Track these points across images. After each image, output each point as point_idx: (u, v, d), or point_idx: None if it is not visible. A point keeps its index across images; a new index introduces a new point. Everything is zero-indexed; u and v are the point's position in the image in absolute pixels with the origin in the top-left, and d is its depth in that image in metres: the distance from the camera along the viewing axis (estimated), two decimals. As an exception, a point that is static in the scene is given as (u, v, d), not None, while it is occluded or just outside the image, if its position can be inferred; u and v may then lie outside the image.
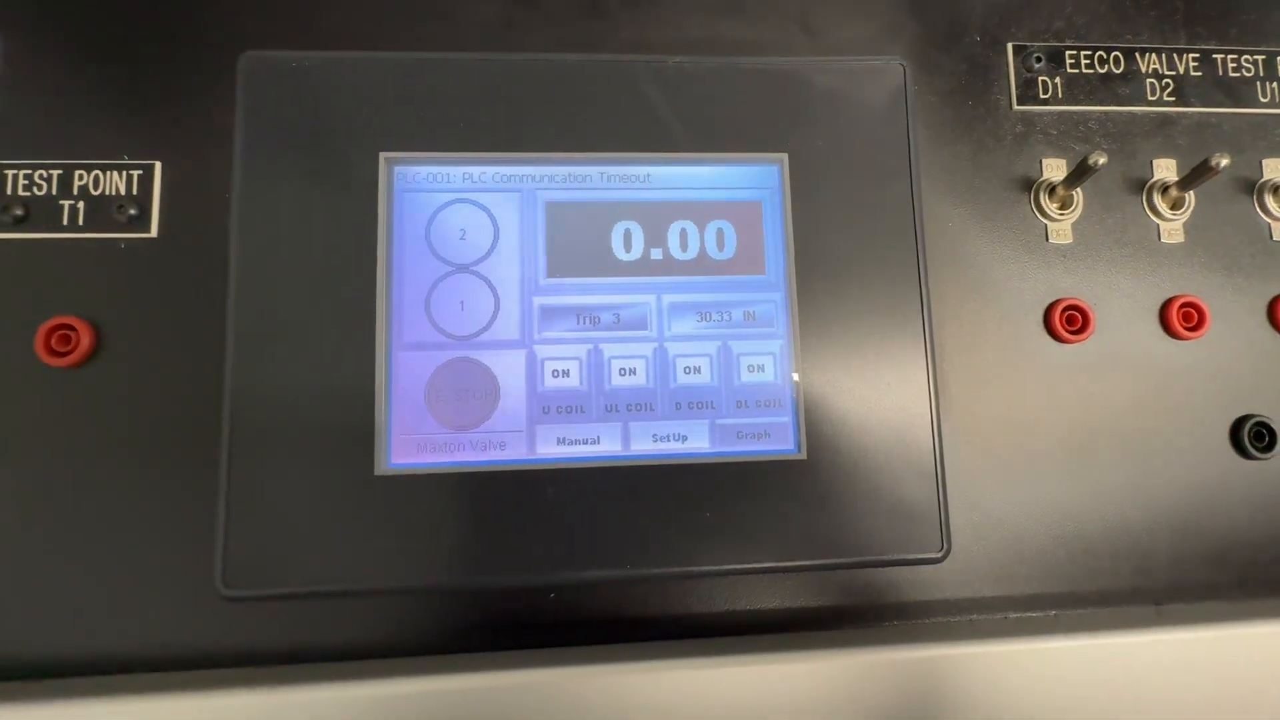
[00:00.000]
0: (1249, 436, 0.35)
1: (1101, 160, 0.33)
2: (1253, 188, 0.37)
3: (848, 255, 0.34)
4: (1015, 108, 0.37)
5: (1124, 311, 0.36)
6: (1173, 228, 0.37)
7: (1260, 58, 0.39)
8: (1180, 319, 0.36)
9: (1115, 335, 0.36)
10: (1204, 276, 0.36)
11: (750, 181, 0.35)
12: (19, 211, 0.31)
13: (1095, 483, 0.35)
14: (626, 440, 0.33)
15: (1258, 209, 0.37)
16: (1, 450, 0.30)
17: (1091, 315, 0.36)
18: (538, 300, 0.33)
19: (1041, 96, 0.37)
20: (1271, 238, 0.37)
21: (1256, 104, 0.38)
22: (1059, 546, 0.34)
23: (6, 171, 0.32)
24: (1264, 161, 0.38)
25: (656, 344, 0.33)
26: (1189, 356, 0.36)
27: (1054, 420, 0.35)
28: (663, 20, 0.36)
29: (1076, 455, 0.35)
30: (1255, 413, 0.36)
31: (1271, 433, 0.36)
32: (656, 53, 0.35)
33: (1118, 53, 0.38)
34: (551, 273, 0.33)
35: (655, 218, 0.34)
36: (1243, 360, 0.36)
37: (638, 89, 0.35)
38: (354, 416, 0.31)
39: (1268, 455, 0.35)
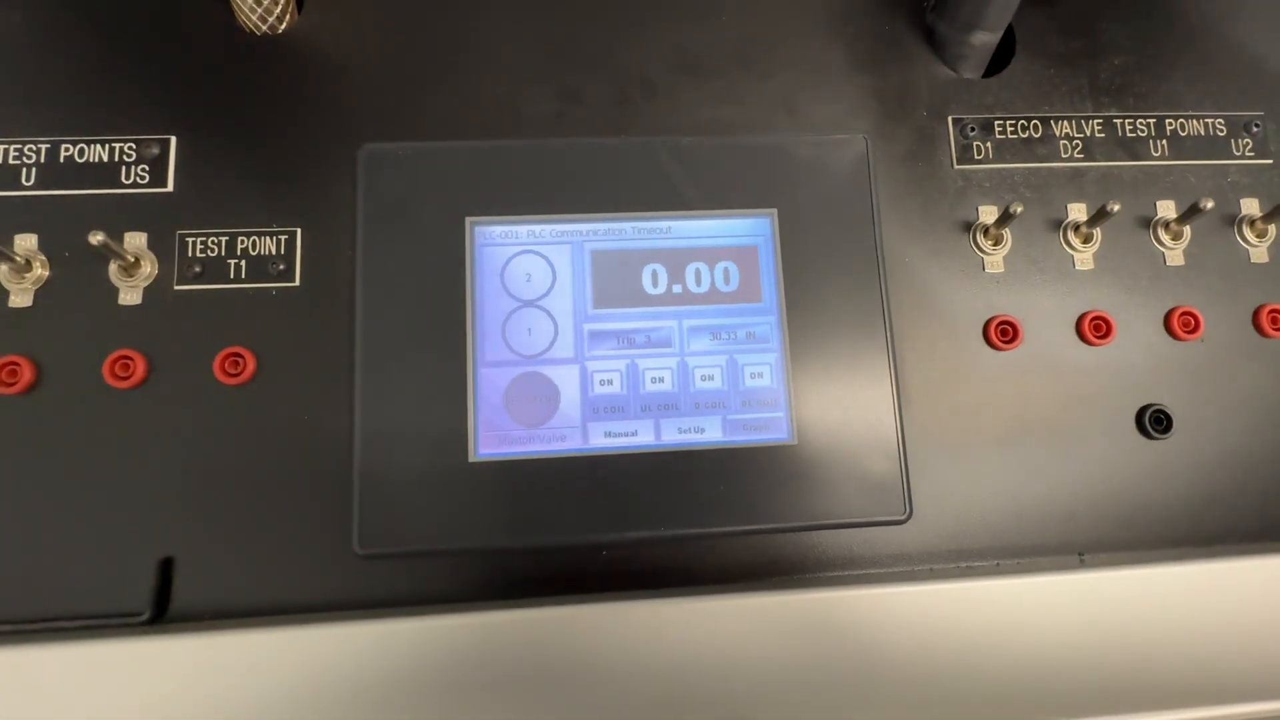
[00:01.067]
0: (1149, 421, 0.43)
1: (1019, 209, 0.41)
2: (1148, 224, 0.45)
3: (826, 286, 0.42)
4: (956, 167, 0.45)
5: (1046, 324, 0.43)
6: (1084, 257, 0.44)
7: (1152, 120, 0.46)
8: (1092, 329, 0.44)
9: (1040, 344, 0.43)
10: (1111, 295, 0.44)
11: (749, 231, 0.43)
12: (198, 269, 0.40)
13: (1027, 461, 0.42)
14: (658, 433, 0.41)
15: (1153, 240, 0.45)
16: (187, 448, 0.39)
17: (1020, 328, 0.43)
18: (587, 326, 0.41)
19: (976, 157, 0.45)
20: (1165, 263, 0.45)
21: (1150, 157, 0.46)
22: (1000, 511, 0.42)
23: (188, 239, 0.40)
24: (1157, 203, 0.45)
25: (679, 358, 0.41)
26: (1100, 359, 0.43)
27: (993, 412, 0.42)
28: (676, 109, 0.44)
29: (1012, 439, 0.42)
30: (1155, 402, 0.43)
31: (1168, 418, 0.43)
32: (672, 134, 0.44)
33: (1036, 121, 0.46)
34: (597, 305, 0.41)
35: (676, 260, 0.42)
36: (1144, 361, 0.43)
37: (659, 162, 0.43)
38: (451, 418, 0.39)
39: (1165, 436, 0.43)
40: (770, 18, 0.46)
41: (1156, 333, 0.44)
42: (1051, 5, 0.48)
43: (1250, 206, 0.46)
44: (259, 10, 0.43)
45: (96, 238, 0.37)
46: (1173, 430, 0.42)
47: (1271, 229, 0.45)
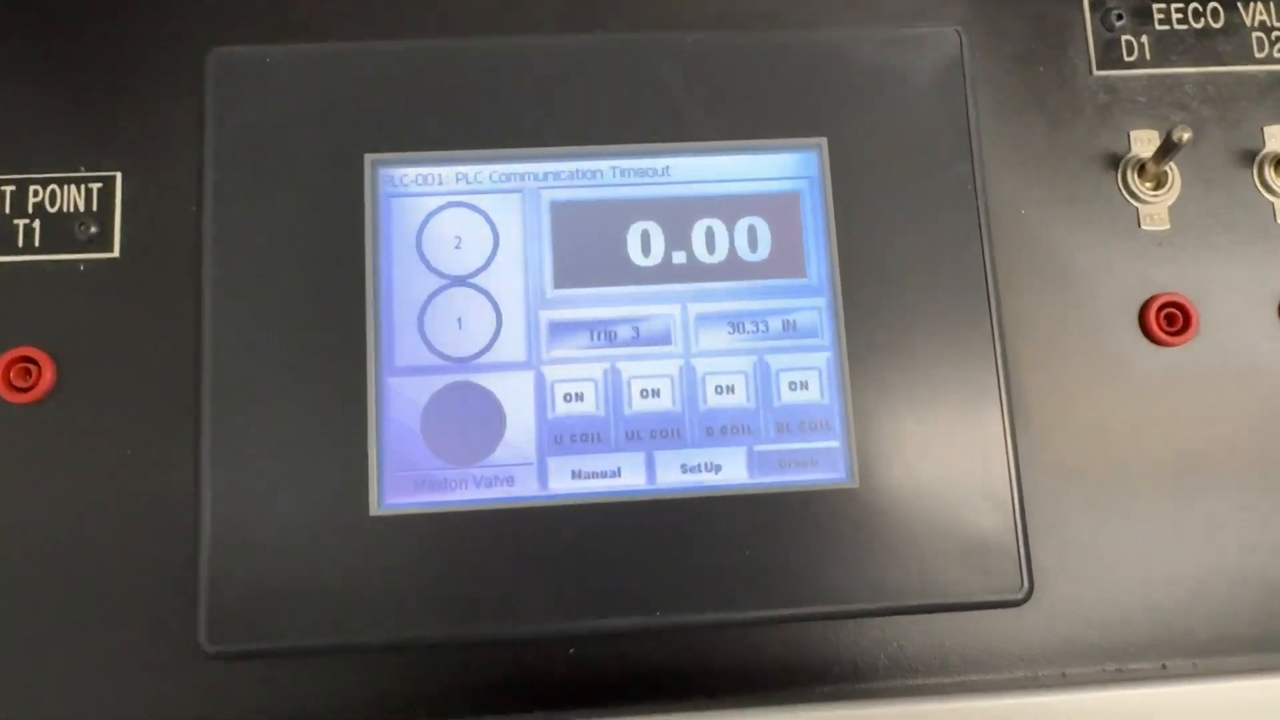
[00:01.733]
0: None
1: (1186, 136, 0.37)
2: (1387, 156, 0.41)
3: (901, 253, 0.39)
4: (1095, 73, 0.41)
5: (1235, 306, 0.40)
6: (1290, 207, 0.41)
7: (1391, 2, 0.43)
8: (1302, 314, 0.40)
9: (1225, 335, 0.40)
10: (1331, 263, 0.40)
11: (785, 171, 0.39)
12: (-26, 234, 0.37)
13: (1208, 511, 0.38)
14: (652, 472, 0.37)
15: (1395, 181, 0.41)
16: (-44, 499, 0.36)
17: (1194, 313, 0.40)
18: (545, 315, 0.38)
19: (1126, 59, 0.41)
20: None
21: (1388, 57, 0.42)
22: (1166, 586, 0.38)
23: (-42, 189, 0.38)
24: (1400, 125, 0.42)
25: (683, 361, 0.38)
26: None
27: (1153, 437, 0.39)
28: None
29: (1184, 480, 0.39)
30: (1399, 422, 0.39)
31: None
32: (672, 28, 0.40)
33: (1215, 4, 0.42)
34: (560, 283, 0.38)
35: (677, 216, 0.38)
36: (1382, 360, 0.40)
37: (651, 71, 0.40)
38: (343, 451, 0.36)
39: None
40: None
41: (1401, 319, 0.40)
42: None
43: None
44: None
45: None
46: None
47: None
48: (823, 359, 0.38)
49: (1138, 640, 0.38)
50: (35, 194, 0.38)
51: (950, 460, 0.37)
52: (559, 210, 0.39)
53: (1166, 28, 0.42)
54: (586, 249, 0.38)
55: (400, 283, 0.38)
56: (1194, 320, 0.40)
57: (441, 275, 0.38)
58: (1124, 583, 0.38)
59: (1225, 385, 0.39)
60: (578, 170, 0.39)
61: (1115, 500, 0.38)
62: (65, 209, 0.38)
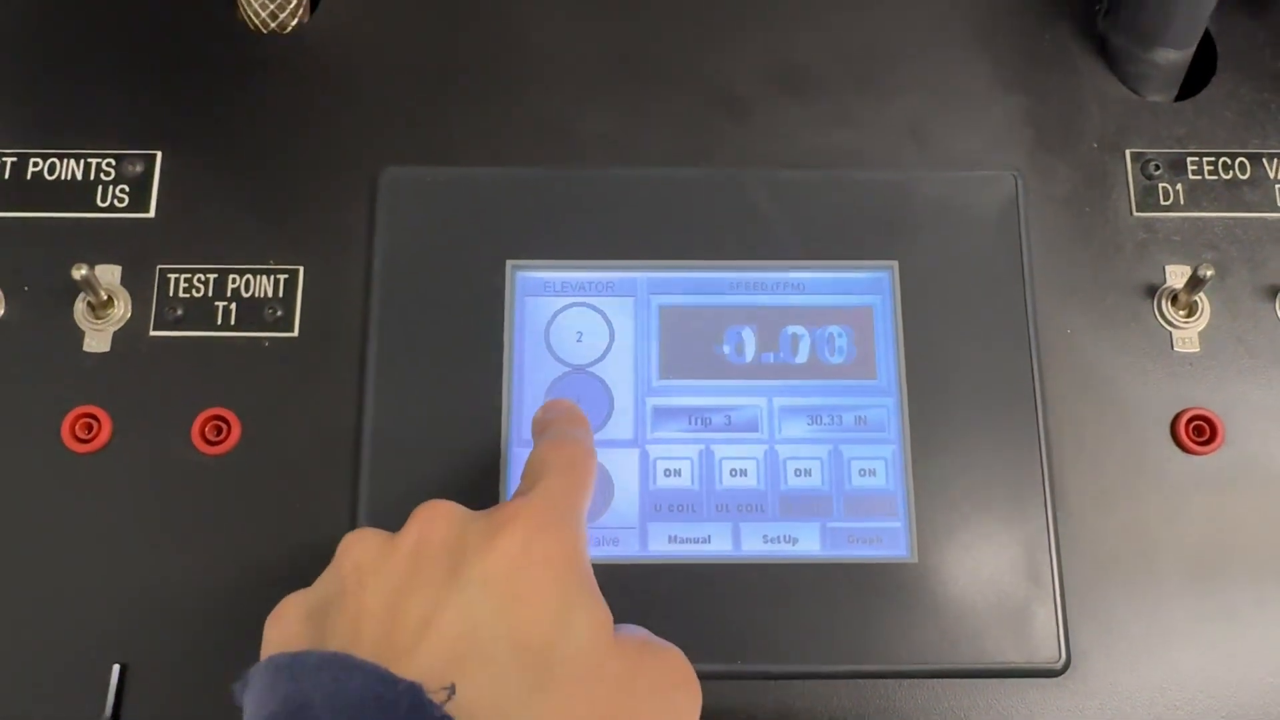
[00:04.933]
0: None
1: (1209, 273, 0.44)
2: (1399, 296, 0.48)
3: (960, 362, 0.46)
4: (1135, 214, 0.49)
5: (1258, 422, 0.46)
6: (1309, 336, 0.48)
7: (1401, 161, 0.50)
8: (1319, 431, 0.46)
9: (1249, 447, 0.46)
10: (1346, 387, 0.47)
11: (861, 288, 0.47)
12: (179, 312, 0.46)
13: (1233, 608, 0.44)
14: (737, 540, 0.44)
15: (1406, 318, 0.48)
16: (154, 527, 0.44)
17: (1221, 425, 0.46)
18: (651, 401, 0.46)
19: (1163, 203, 0.49)
20: None
21: (1398, 209, 0.49)
22: (1193, 675, 0.44)
23: (170, 275, 0.47)
24: None
25: (768, 446, 0.45)
26: None
27: (1182, 535, 0.45)
28: (773, 134, 0.49)
29: (1211, 576, 0.44)
30: None
31: None
32: (767, 165, 0.49)
33: (1243, 158, 0.50)
34: (664, 374, 0.46)
35: (767, 322, 0.46)
36: (1394, 476, 0.46)
37: (749, 198, 0.48)
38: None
39: None
40: (895, 24, 0.51)
41: None
42: (1263, 12, 0.52)
43: None
44: (269, 6, 0.50)
45: (79, 271, 0.43)
46: None
47: None
48: (889, 450, 0.45)
49: (1166, 715, 0.44)
50: (233, 281, 0.47)
51: (999, 544, 0.44)
52: (666, 314, 0.47)
53: (1199, 178, 0.49)
54: (689, 347, 0.46)
55: (530, 368, 0.46)
56: (1220, 432, 0.46)
57: (565, 363, 0.46)
58: (1154, 663, 0.44)
59: (1247, 491, 0.45)
60: (683, 280, 0.47)
61: (1147, 590, 0.44)
62: (257, 295, 0.47)
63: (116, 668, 0.42)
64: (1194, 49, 0.49)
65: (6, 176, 0.48)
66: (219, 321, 0.46)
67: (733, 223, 0.48)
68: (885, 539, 0.44)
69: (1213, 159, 0.50)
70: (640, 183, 0.48)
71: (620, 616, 0.42)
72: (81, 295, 0.46)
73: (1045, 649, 0.43)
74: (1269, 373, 0.47)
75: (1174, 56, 0.49)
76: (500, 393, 0.45)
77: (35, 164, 0.48)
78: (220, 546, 0.44)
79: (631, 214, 0.48)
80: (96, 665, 0.42)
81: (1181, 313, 0.48)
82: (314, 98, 0.50)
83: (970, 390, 0.46)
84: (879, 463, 0.45)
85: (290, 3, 0.50)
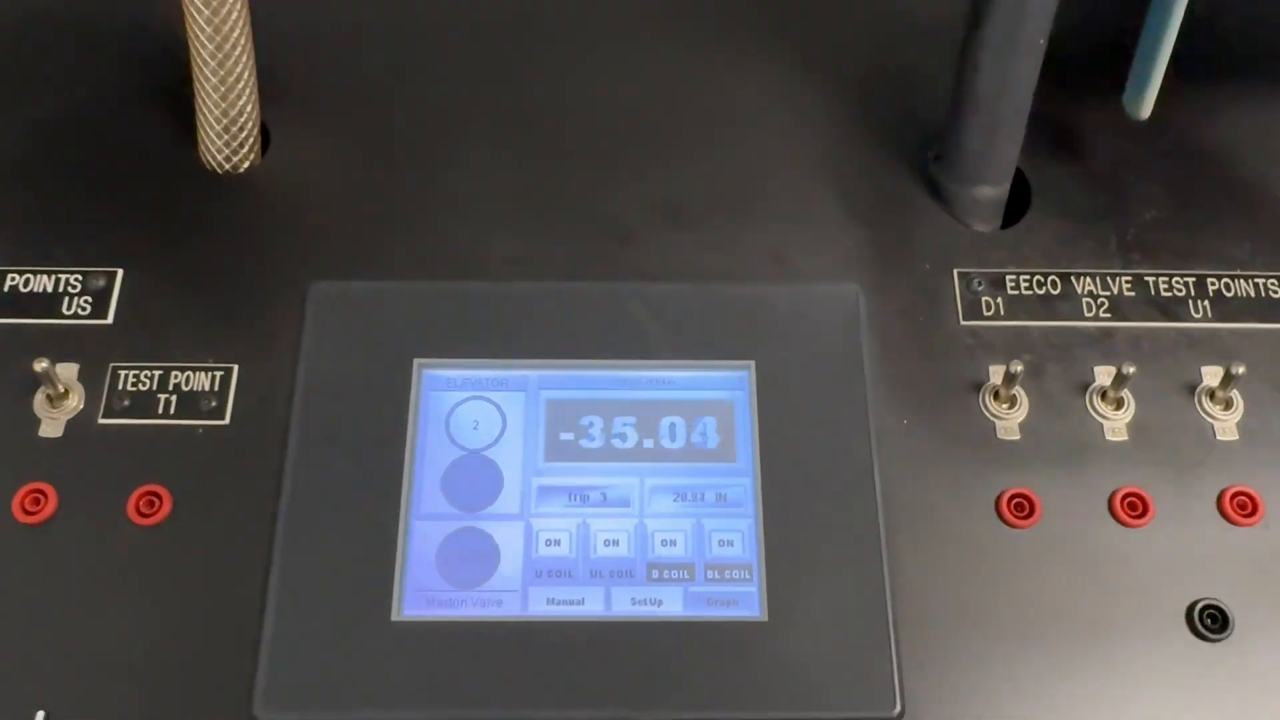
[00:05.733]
0: (1202, 619, 0.50)
1: (1019, 368, 0.51)
2: (1193, 391, 0.55)
3: (809, 448, 0.52)
4: (962, 323, 0.56)
5: (1071, 500, 0.52)
6: (1115, 426, 0.54)
7: (1191, 279, 0.58)
8: (1126, 508, 0.52)
9: (1064, 522, 0.52)
10: (1149, 470, 0.53)
11: (725, 385, 0.54)
12: (126, 403, 0.52)
13: (1054, 659, 0.49)
14: (609, 602, 0.49)
15: (1199, 410, 0.55)
16: (87, 589, 0.49)
17: (1039, 503, 0.52)
18: (537, 480, 0.52)
19: (985, 314, 0.56)
20: (1215, 436, 0.54)
21: (1191, 319, 0.57)
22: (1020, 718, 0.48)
23: (120, 371, 0.53)
24: (1202, 369, 0.55)
25: (638, 520, 0.51)
26: (1138, 543, 0.51)
27: (1006, 599, 0.50)
28: (655, 256, 0.57)
29: (1034, 633, 0.49)
30: (1208, 597, 0.50)
31: (1224, 615, 0.50)
32: (645, 280, 0.56)
33: (1055, 276, 0.57)
34: (550, 457, 0.52)
35: (636, 413, 0.53)
36: (1192, 548, 0.51)
37: (628, 309, 0.55)
38: (377, 573, 0.49)
39: (1222, 636, 0.50)
40: (760, 164, 0.60)
41: (1207, 515, 0.52)
42: (1073, 157, 0.61)
43: (1317, 377, 0.55)
44: (225, 150, 0.58)
45: (40, 364, 0.50)
46: (1230, 629, 0.49)
47: (1342, 402, 0.54)
48: (745, 524, 0.51)
49: (995, 763, 0.48)
50: (175, 376, 0.53)
51: (841, 606, 0.49)
52: (552, 406, 0.53)
53: (1016, 293, 0.57)
54: (572, 434, 0.53)
55: (431, 452, 0.52)
56: (1038, 509, 0.52)
57: (461, 448, 0.52)
58: (982, 711, 0.48)
59: (1063, 560, 0.51)
60: (568, 376, 0.54)
61: (976, 646, 0.49)
62: (196, 389, 0.53)
63: (41, 714, 0.47)
64: (1009, 186, 0.58)
65: (-10, 291, 0.56)
66: (160, 411, 0.53)
67: (615, 329, 0.55)
68: (740, 601, 0.49)
69: (1028, 277, 0.57)
70: (536, 295, 0.56)
71: (502, 669, 0.47)
72: (42, 388, 0.52)
73: (883, 699, 0.48)
74: (1080, 456, 0.53)
75: (991, 193, 0.58)
76: (403, 472, 0.51)
77: (13, 278, 0.56)
78: (148, 607, 0.49)
79: (527, 321, 0.55)
80: (23, 714, 0.47)
81: (1004, 405, 0.54)
82: (258, 225, 0.58)
83: (817, 472, 0.52)
84: (736, 534, 0.51)
85: (243, 148, 0.59)
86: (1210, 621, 0.50)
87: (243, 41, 0.56)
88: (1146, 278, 0.57)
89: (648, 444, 0.52)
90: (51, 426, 0.52)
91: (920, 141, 0.61)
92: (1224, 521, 0.52)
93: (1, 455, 0.51)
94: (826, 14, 0.66)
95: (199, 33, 0.55)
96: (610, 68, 0.64)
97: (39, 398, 0.52)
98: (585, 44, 0.65)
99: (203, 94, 0.57)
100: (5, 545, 0.50)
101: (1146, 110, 0.55)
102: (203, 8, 0.54)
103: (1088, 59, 0.60)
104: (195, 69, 0.56)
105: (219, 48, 0.55)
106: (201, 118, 0.58)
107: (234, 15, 0.55)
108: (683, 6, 0.67)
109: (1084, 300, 0.57)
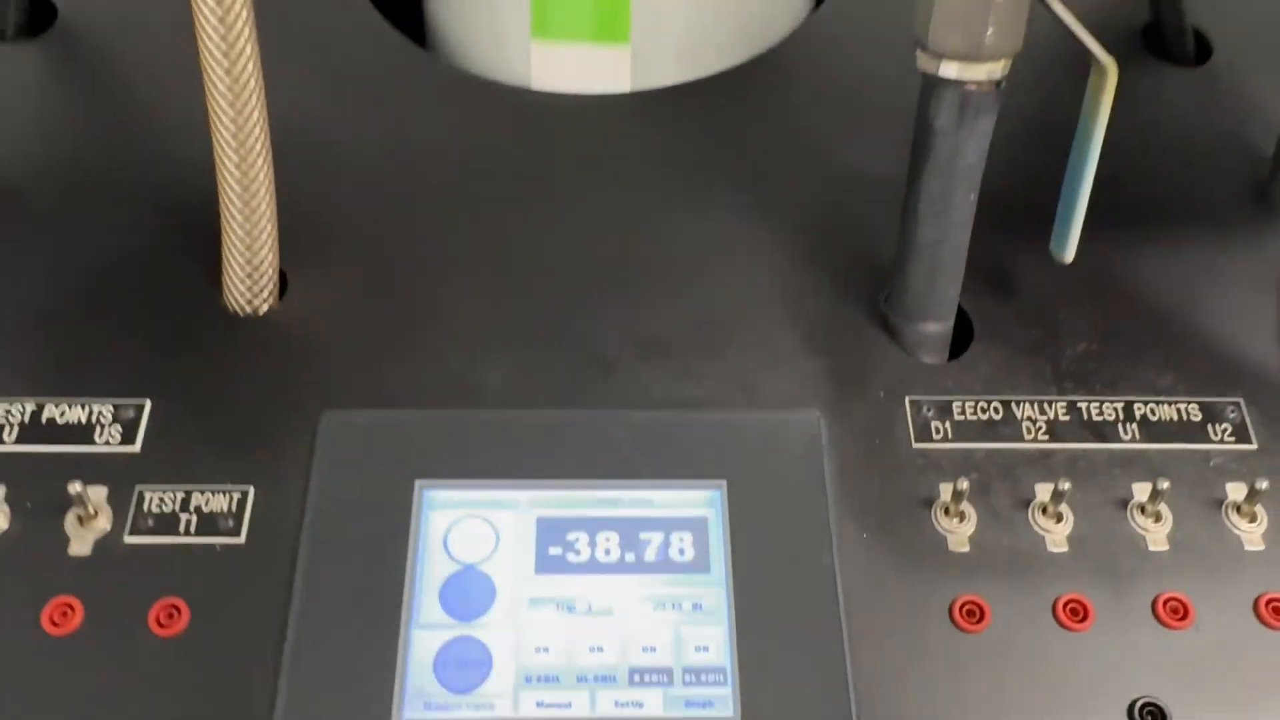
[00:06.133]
0: (1142, 716, 0.54)
1: (965, 485, 0.57)
2: (1125, 505, 0.60)
3: (777, 560, 0.57)
4: (914, 445, 0.61)
5: (1018, 607, 0.56)
6: (1056, 538, 0.59)
7: (1120, 405, 0.63)
8: (1068, 613, 0.57)
9: (1011, 627, 0.56)
10: (1087, 578, 0.57)
11: (700, 502, 0.59)
12: (151, 523, 0.57)
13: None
14: (594, 704, 0.53)
15: (1132, 523, 0.59)
16: (110, 698, 0.52)
17: (989, 609, 0.56)
18: (527, 591, 0.56)
19: (935, 437, 0.62)
20: (1147, 547, 0.59)
21: (1121, 441, 0.62)
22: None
23: (146, 493, 0.58)
24: (1133, 485, 0.61)
25: (622, 628, 0.55)
26: (1080, 646, 0.55)
27: (961, 700, 0.54)
28: (632, 385, 0.63)
29: (987, 732, 0.54)
30: (1146, 695, 0.54)
31: (1163, 713, 0.54)
32: (628, 408, 0.62)
33: (997, 403, 0.63)
34: (540, 570, 0.56)
35: (621, 529, 0.57)
36: (1131, 650, 0.55)
37: (611, 434, 0.60)
38: (378, 680, 0.52)
39: (1161, 731, 0.54)
40: (727, 301, 0.67)
41: (1143, 620, 0.56)
42: (1009, 296, 0.67)
43: (1237, 491, 0.60)
44: (246, 294, 0.64)
45: (74, 487, 0.54)
46: (1168, 725, 0.53)
47: (1261, 513, 0.59)
48: (720, 631, 0.55)
49: None
50: (196, 498, 0.58)
51: (809, 705, 0.53)
52: (542, 523, 0.58)
53: (963, 418, 0.62)
54: (560, 548, 0.57)
55: (430, 566, 0.56)
56: (988, 615, 0.56)
57: (458, 562, 0.57)
58: (941, 808, 0.52)
59: (1012, 662, 0.55)
60: (557, 496, 0.59)
61: (936, 747, 0.53)
62: (215, 509, 0.58)
63: (65, 815, 0.50)
64: (952, 323, 0.64)
65: (27, 420, 0.60)
66: (182, 529, 0.57)
67: (599, 452, 0.60)
68: (716, 702, 0.53)
69: (973, 403, 0.63)
70: (526, 421, 0.61)
71: (493, 769, 0.51)
72: (73, 509, 0.57)
73: (847, 793, 0.51)
74: (1025, 566, 0.58)
75: (937, 329, 0.64)
76: (403, 585, 0.55)
77: (50, 409, 0.61)
78: (166, 711, 0.52)
79: (519, 445, 0.60)
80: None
81: (954, 520, 0.59)
82: (274, 360, 0.63)
83: (785, 583, 0.56)
84: (711, 640, 0.55)
85: (263, 293, 0.65)
86: (1150, 719, 0.55)
87: (267, 200, 0.63)
88: (1080, 404, 0.63)
89: (629, 557, 0.57)
90: (81, 544, 0.56)
91: (872, 282, 0.68)
92: (1159, 625, 0.56)
93: (33, 571, 0.56)
94: (784, 170, 0.74)
95: (230, 194, 0.61)
96: (590, 218, 0.71)
97: (70, 518, 0.57)
98: (567, 196, 0.72)
99: (229, 245, 0.63)
100: (35, 656, 0.53)
101: (1070, 254, 0.62)
102: (234, 170, 0.61)
103: (1019, 209, 0.67)
104: (224, 224, 0.63)
105: (246, 204, 0.62)
106: (227, 265, 0.64)
107: (260, 178, 0.62)
108: (653, 165, 0.74)
109: (1024, 424, 0.62)
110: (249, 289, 0.65)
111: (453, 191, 0.73)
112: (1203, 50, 0.82)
